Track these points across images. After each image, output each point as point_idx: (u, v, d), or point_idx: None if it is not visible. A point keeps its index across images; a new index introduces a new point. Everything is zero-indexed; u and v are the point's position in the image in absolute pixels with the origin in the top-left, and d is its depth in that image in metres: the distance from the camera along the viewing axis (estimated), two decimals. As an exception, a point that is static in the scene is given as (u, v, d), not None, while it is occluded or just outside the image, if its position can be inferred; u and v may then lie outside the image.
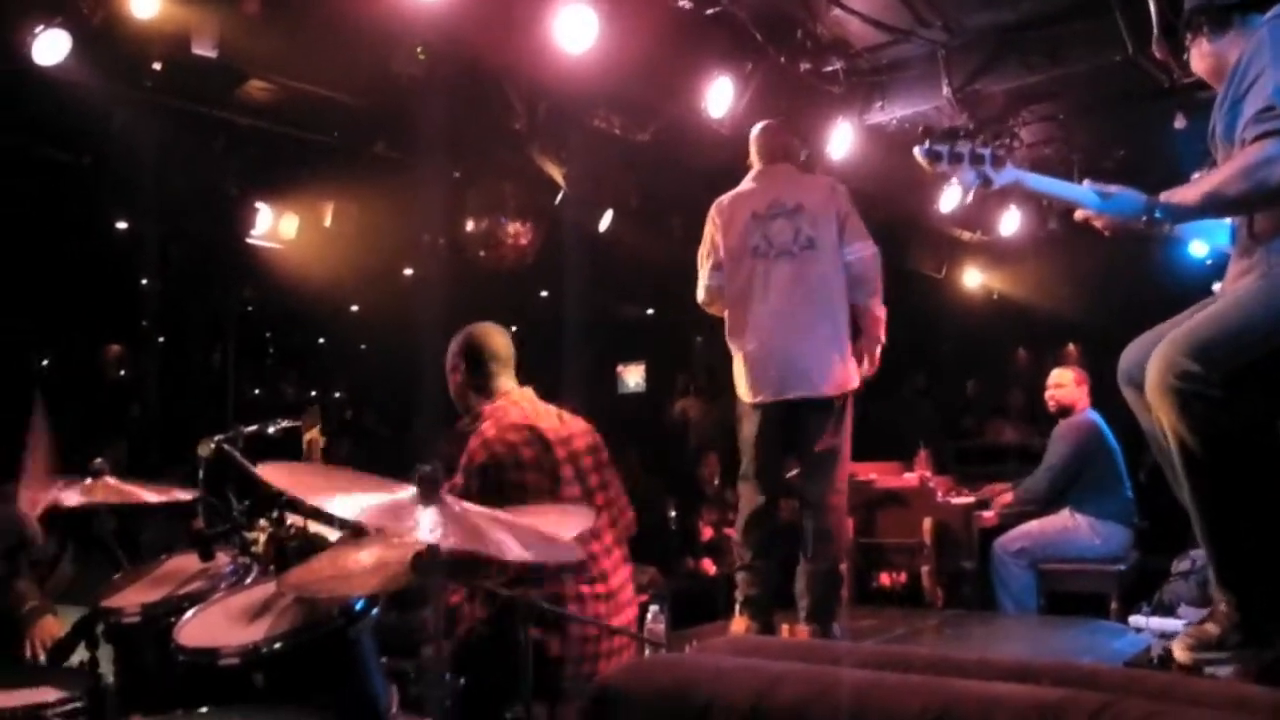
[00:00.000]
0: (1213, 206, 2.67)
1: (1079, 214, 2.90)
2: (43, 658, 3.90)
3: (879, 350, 4.57)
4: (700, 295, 4.70)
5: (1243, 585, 2.59)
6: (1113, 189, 2.84)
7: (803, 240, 4.42)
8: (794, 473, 4.66)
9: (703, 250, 4.68)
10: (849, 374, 4.43)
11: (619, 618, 3.38)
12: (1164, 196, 2.74)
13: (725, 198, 4.65)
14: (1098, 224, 2.88)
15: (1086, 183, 2.89)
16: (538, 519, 2.62)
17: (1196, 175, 2.90)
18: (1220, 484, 2.53)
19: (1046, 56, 6.10)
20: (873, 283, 4.51)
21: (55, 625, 4.06)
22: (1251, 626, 2.57)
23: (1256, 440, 2.50)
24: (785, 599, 4.60)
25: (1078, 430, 5.85)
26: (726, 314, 4.59)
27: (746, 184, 4.65)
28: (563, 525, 2.66)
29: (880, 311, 4.55)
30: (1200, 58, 2.86)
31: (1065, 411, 5.97)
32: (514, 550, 2.20)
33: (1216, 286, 2.87)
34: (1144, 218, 2.76)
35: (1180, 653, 2.68)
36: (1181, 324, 2.71)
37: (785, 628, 4.47)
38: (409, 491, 2.23)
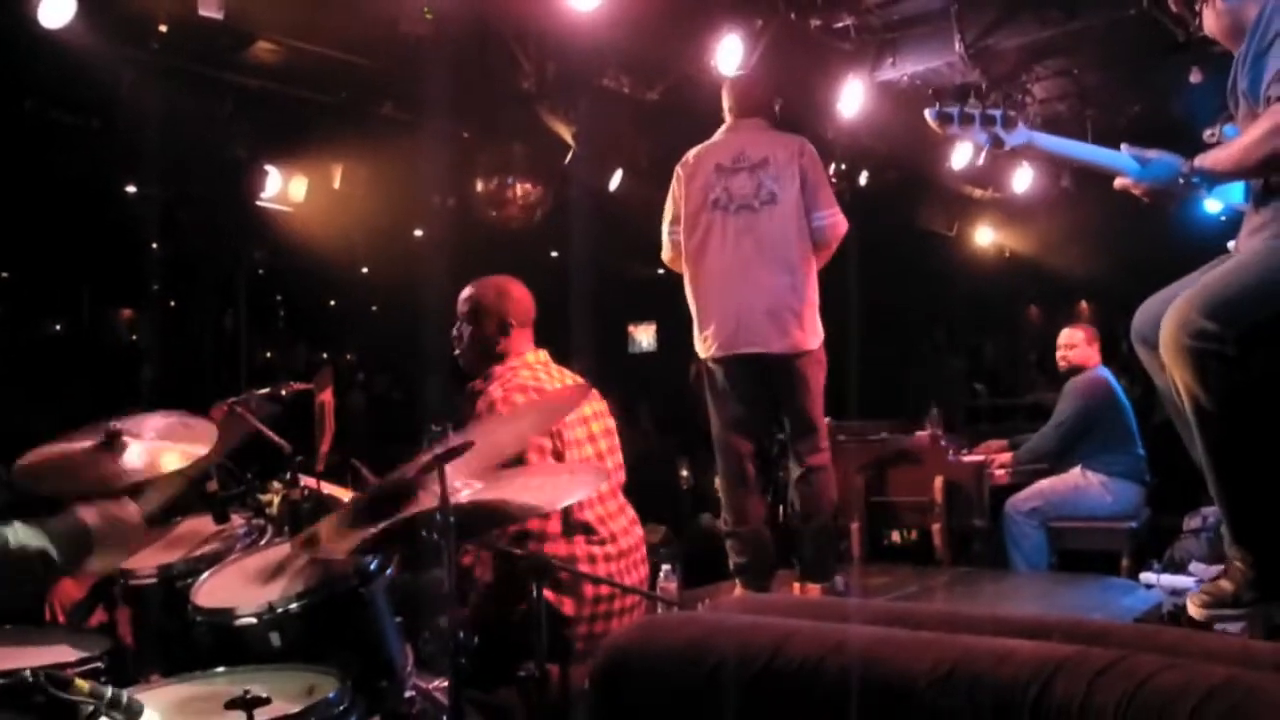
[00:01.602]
0: (1248, 167, 2.63)
1: (1118, 182, 2.86)
2: (61, 619, 3.94)
3: None
4: (665, 253, 4.65)
5: (1258, 543, 2.59)
6: (1150, 154, 2.80)
7: (764, 195, 4.35)
8: (782, 435, 4.65)
9: (667, 207, 4.62)
10: (805, 334, 4.34)
11: (630, 578, 3.41)
12: (1198, 160, 2.70)
13: (692, 152, 4.57)
14: (1137, 192, 2.84)
15: (1124, 148, 2.85)
16: (547, 479, 2.63)
17: (1209, 133, 2.87)
18: (1235, 442, 2.52)
19: (1061, 10, 6.04)
20: (831, 250, 4.48)
21: (73, 587, 4.10)
22: (1266, 584, 2.57)
23: (1271, 398, 2.49)
24: (787, 560, 4.62)
25: (1088, 387, 5.83)
26: (685, 268, 4.53)
27: (717, 136, 4.59)
28: (572, 485, 2.68)
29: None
30: (1215, 17, 2.81)
31: (1076, 370, 5.94)
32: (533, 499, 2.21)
33: (1231, 244, 2.84)
34: (1181, 182, 2.73)
35: (1195, 609, 2.69)
36: (1196, 281, 2.69)
37: (796, 585, 4.49)
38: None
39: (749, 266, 4.33)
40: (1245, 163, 2.59)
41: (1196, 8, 2.86)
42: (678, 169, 4.57)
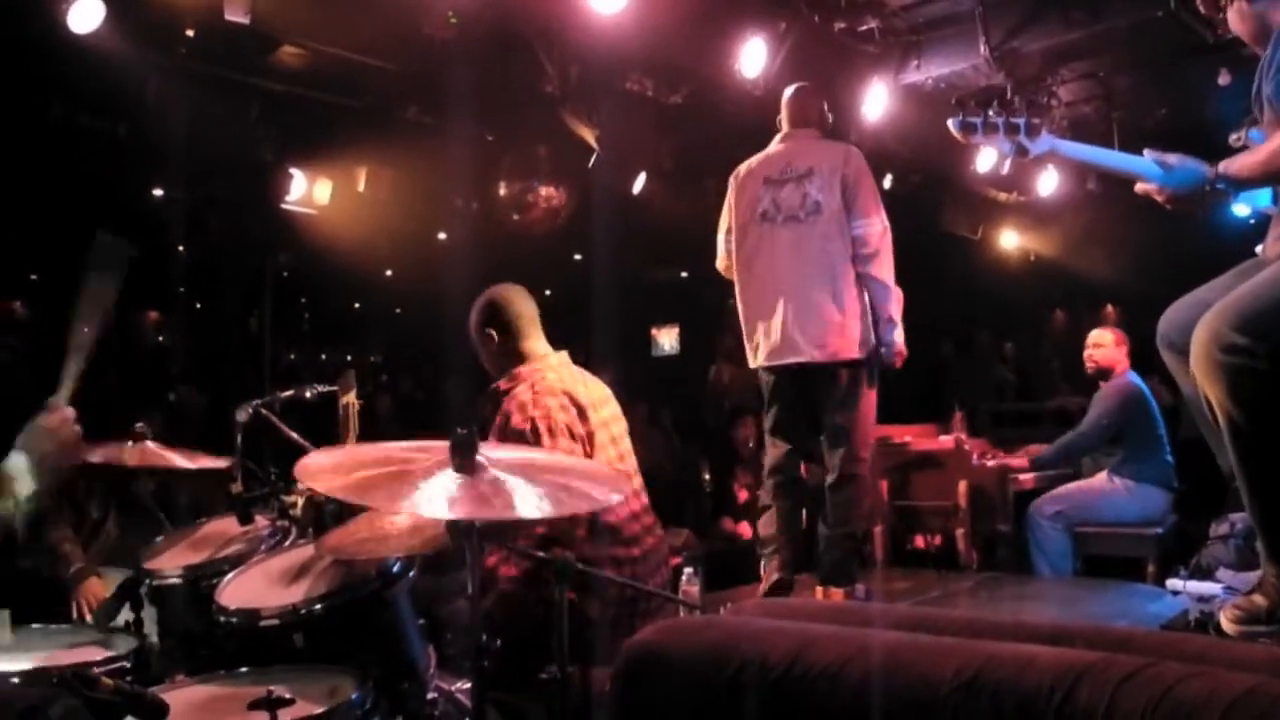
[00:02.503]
0: (1270, 174, 2.60)
1: (1140, 187, 2.83)
2: (88, 619, 3.98)
3: (898, 334, 4.43)
4: (719, 262, 4.76)
5: None
6: (1172, 160, 2.76)
7: (809, 205, 4.41)
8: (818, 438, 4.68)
9: (722, 217, 4.73)
10: (850, 343, 4.37)
11: (653, 581, 3.41)
12: (1223, 166, 2.66)
13: (745, 164, 4.67)
14: (1160, 198, 2.80)
15: (1147, 152, 2.82)
16: (573, 482, 2.63)
17: (1234, 137, 2.83)
18: (1269, 456, 2.48)
19: (1087, 12, 6.00)
20: (879, 254, 4.40)
21: (100, 587, 4.13)
22: None
23: None
24: (812, 562, 4.64)
25: (1121, 393, 5.78)
26: (736, 278, 4.62)
27: (771, 148, 4.68)
28: (597, 489, 2.67)
29: (889, 279, 4.42)
30: (1240, 19, 2.78)
31: (1104, 373, 5.88)
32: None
33: (1259, 248, 2.81)
34: (1206, 188, 2.70)
35: (1228, 625, 2.65)
36: (1223, 288, 2.65)
37: (819, 590, 4.48)
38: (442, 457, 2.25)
39: (794, 278, 4.40)
40: (1270, 169, 2.55)
41: (1222, 4, 2.83)
42: (731, 180, 4.68)
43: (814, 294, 4.36)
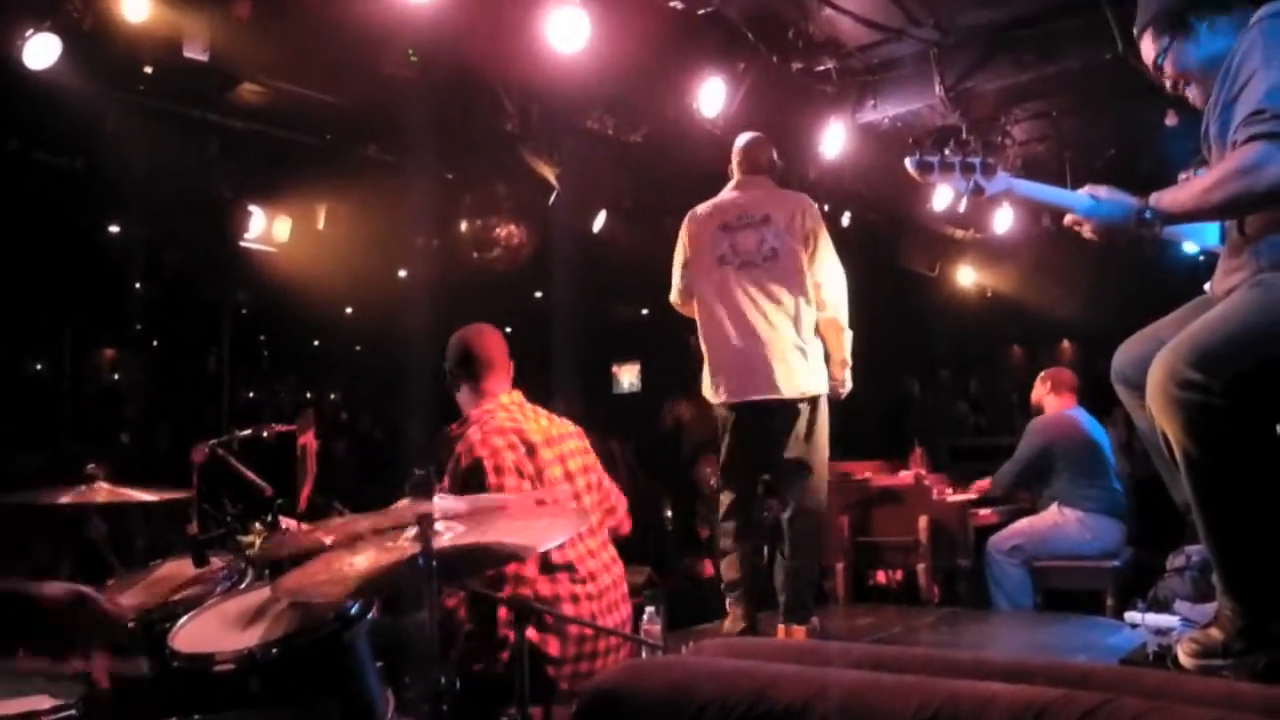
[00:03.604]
0: (1203, 209, 2.64)
1: (1068, 219, 2.89)
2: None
3: (848, 373, 4.68)
4: (673, 296, 4.85)
5: (1248, 591, 2.56)
6: (1103, 193, 2.82)
7: (766, 250, 4.55)
8: (768, 476, 4.73)
9: (677, 253, 4.81)
10: (812, 380, 4.52)
11: (610, 617, 3.39)
12: (1153, 199, 2.71)
13: (700, 208, 4.76)
14: (1085, 230, 2.86)
15: (1087, 188, 2.87)
16: (529, 521, 2.63)
17: (1184, 175, 2.89)
18: (1225, 491, 2.50)
19: (1038, 54, 6.13)
20: (842, 302, 4.63)
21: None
22: (1257, 632, 2.55)
23: (1260, 447, 2.47)
24: (770, 600, 4.65)
25: (1048, 425, 5.98)
26: (698, 318, 4.71)
27: (724, 194, 4.77)
28: (553, 527, 2.67)
29: (845, 324, 4.64)
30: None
31: (1036, 410, 6.19)
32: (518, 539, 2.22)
33: (1207, 285, 2.86)
34: (1134, 220, 2.74)
35: (1185, 659, 2.66)
36: (1175, 324, 2.69)
37: (781, 628, 4.48)
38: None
39: (754, 319, 4.51)
40: (1205, 204, 2.59)
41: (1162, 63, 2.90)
42: (686, 221, 4.76)
43: (775, 335, 4.49)
